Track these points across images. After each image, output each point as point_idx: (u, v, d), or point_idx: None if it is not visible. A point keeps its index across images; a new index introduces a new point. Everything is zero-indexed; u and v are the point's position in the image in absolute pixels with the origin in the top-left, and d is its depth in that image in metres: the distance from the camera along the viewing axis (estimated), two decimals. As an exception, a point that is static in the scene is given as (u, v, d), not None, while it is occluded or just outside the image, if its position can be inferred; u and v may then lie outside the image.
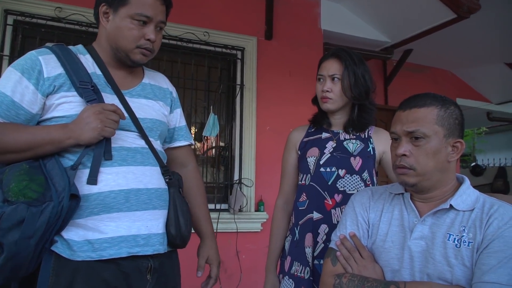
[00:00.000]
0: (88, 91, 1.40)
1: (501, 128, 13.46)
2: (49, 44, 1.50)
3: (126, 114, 1.47)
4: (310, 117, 2.04)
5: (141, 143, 1.51)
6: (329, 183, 1.83)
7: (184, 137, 1.79)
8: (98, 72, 1.51)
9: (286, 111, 4.31)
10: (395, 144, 1.35)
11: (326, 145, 1.90)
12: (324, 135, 1.94)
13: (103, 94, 1.45)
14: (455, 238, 1.22)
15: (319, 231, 1.81)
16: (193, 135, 1.63)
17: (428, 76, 6.38)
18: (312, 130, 2.00)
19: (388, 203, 1.43)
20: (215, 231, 3.57)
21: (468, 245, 1.20)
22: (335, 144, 1.89)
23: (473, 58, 5.95)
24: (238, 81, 4.27)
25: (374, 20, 4.94)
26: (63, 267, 1.30)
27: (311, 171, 1.88)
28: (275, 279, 1.95)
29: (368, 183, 1.84)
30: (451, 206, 1.26)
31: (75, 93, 1.40)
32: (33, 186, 1.25)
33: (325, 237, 1.80)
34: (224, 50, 4.23)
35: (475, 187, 1.33)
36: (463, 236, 1.21)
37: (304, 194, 1.89)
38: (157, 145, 1.58)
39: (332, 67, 1.87)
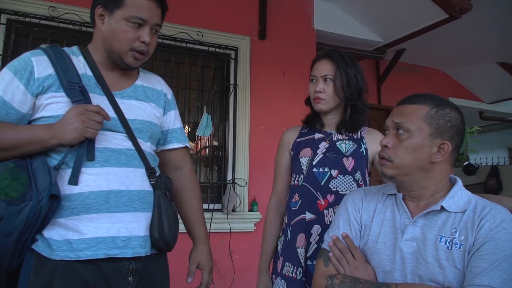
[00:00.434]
0: (75, 92, 1.41)
1: (494, 127, 13.54)
2: (43, 46, 1.52)
3: (114, 115, 1.48)
4: (303, 117, 2.05)
5: (128, 144, 1.50)
6: (322, 184, 1.84)
7: (178, 139, 1.77)
8: (89, 73, 1.51)
9: (280, 111, 4.31)
10: None
11: (319, 146, 1.90)
12: (317, 135, 1.94)
13: (92, 95, 1.46)
14: (446, 240, 1.22)
15: (311, 231, 1.82)
16: (186, 135, 1.64)
17: (421, 76, 6.40)
18: (305, 130, 2.00)
19: (380, 203, 1.43)
20: (208, 231, 3.58)
21: (460, 247, 1.20)
22: (328, 145, 1.89)
23: (466, 58, 5.99)
24: (232, 81, 4.27)
25: (367, 20, 4.95)
26: (43, 265, 1.32)
27: (303, 171, 1.88)
28: (267, 280, 1.95)
29: (360, 183, 1.85)
30: (442, 207, 1.26)
31: (63, 93, 1.41)
32: (15, 185, 1.27)
33: (317, 237, 1.80)
34: (217, 49, 4.22)
35: (468, 186, 1.32)
36: (454, 238, 1.21)
37: (297, 194, 1.90)
38: (146, 146, 1.57)
39: (325, 67, 1.87)
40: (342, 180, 1.83)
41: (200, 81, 4.19)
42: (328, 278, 1.35)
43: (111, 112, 1.47)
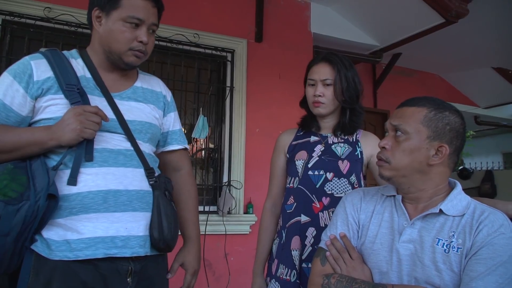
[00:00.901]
0: (74, 94, 1.42)
1: (489, 132, 13.60)
2: (42, 49, 1.54)
3: (113, 116, 1.49)
4: (299, 120, 2.05)
5: (127, 145, 1.51)
6: (317, 186, 1.84)
7: (178, 141, 1.78)
8: (88, 75, 1.53)
9: (276, 114, 4.31)
10: None
11: (315, 149, 1.90)
12: (313, 138, 1.94)
13: (91, 97, 1.47)
14: (444, 243, 1.22)
15: (306, 234, 1.82)
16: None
17: (417, 80, 6.43)
18: (301, 133, 2.01)
19: (379, 204, 1.43)
20: (203, 233, 3.57)
21: (457, 251, 1.20)
22: (323, 148, 1.89)
23: (461, 63, 6.02)
24: (228, 83, 4.27)
25: (364, 24, 4.97)
26: (42, 266, 1.33)
27: (299, 174, 1.88)
28: (262, 282, 1.95)
29: (355, 186, 1.85)
30: (441, 210, 1.26)
31: (62, 95, 1.43)
32: (13, 185, 1.28)
33: (313, 240, 1.80)
34: (214, 52, 4.22)
35: (462, 190, 1.33)
36: (452, 241, 1.21)
37: (292, 197, 1.90)
38: (145, 147, 1.57)
39: (324, 71, 1.87)
40: (337, 183, 1.83)
41: (197, 83, 4.19)
42: (324, 277, 1.35)
43: (110, 114, 1.48)
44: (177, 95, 3.97)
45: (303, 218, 1.83)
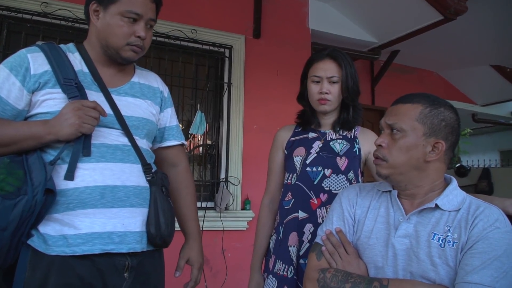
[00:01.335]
0: (72, 88, 1.41)
1: (486, 130, 13.61)
2: (39, 43, 1.52)
3: (110, 112, 1.48)
4: (296, 117, 2.04)
5: (124, 140, 1.50)
6: (315, 183, 1.84)
7: (175, 136, 1.78)
8: (85, 70, 1.52)
9: (273, 110, 4.31)
10: None
11: (313, 145, 1.90)
12: (311, 135, 1.94)
13: (88, 91, 1.47)
14: (439, 238, 1.23)
15: (304, 230, 1.82)
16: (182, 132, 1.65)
17: (415, 77, 6.43)
18: (299, 129, 2.00)
19: (375, 200, 1.43)
20: (201, 229, 3.57)
21: (453, 245, 1.20)
22: (321, 144, 1.89)
23: (459, 60, 6.02)
24: (226, 79, 4.26)
25: (362, 21, 4.96)
26: (39, 261, 1.32)
27: (297, 170, 1.88)
28: (259, 278, 1.95)
29: (353, 183, 1.85)
30: (436, 205, 1.27)
31: (59, 90, 1.42)
32: (10, 180, 1.28)
33: (310, 236, 1.80)
34: (212, 48, 4.21)
35: (459, 187, 1.33)
36: (447, 236, 1.22)
37: (290, 193, 1.90)
38: (142, 143, 1.57)
39: (330, 68, 1.86)
40: (335, 179, 1.83)
41: (194, 79, 4.18)
42: (320, 272, 1.35)
43: (107, 109, 1.47)
44: (175, 91, 3.97)
45: (301, 215, 1.83)
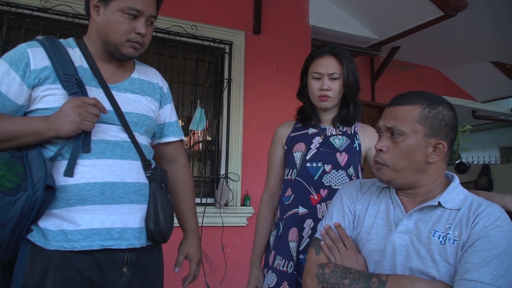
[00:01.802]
0: (72, 84, 1.41)
1: (486, 126, 13.62)
2: (39, 37, 1.51)
3: (110, 108, 1.48)
4: (296, 113, 2.04)
5: (124, 136, 1.50)
6: (315, 178, 1.84)
7: (174, 132, 1.78)
8: (85, 65, 1.51)
9: (273, 107, 4.30)
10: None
11: (313, 141, 1.90)
12: (311, 130, 1.94)
13: (88, 87, 1.46)
14: (440, 235, 1.22)
15: (304, 225, 1.82)
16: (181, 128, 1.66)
17: (415, 74, 6.42)
18: (299, 125, 2.00)
19: (375, 196, 1.43)
20: (200, 225, 3.57)
21: (453, 243, 1.20)
22: (321, 140, 1.89)
23: (460, 56, 6.01)
24: (226, 75, 4.25)
25: (362, 17, 4.95)
26: (38, 255, 1.33)
27: (297, 166, 1.88)
28: (259, 273, 1.96)
29: (353, 178, 1.85)
30: (439, 203, 1.26)
31: (59, 85, 1.41)
32: (10, 176, 1.28)
33: (310, 232, 1.80)
34: (212, 44, 4.21)
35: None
36: (448, 233, 1.22)
37: (290, 189, 1.90)
38: (141, 139, 1.57)
39: (331, 65, 1.86)
40: (335, 175, 1.84)
41: (194, 75, 4.18)
42: (319, 267, 1.35)
43: (107, 105, 1.47)
44: (175, 87, 3.96)
45: (301, 210, 1.84)
